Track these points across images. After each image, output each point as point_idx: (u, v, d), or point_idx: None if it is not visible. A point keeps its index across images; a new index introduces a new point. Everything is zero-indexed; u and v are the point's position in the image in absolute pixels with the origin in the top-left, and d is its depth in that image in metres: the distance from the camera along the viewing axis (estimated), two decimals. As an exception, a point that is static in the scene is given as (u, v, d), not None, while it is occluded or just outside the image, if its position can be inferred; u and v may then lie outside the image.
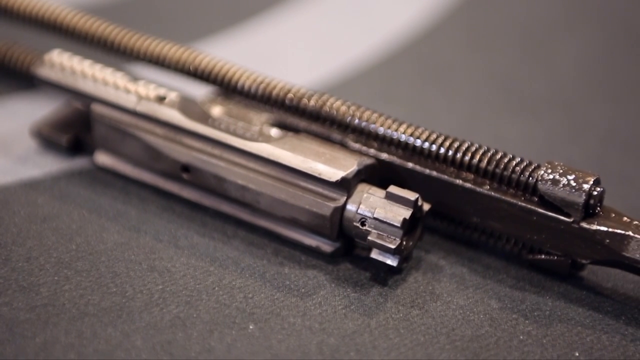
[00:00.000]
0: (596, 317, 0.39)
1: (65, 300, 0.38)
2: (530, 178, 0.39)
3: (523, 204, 0.39)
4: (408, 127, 0.42)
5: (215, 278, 0.40)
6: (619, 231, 0.38)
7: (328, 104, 0.43)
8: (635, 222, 0.38)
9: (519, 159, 0.40)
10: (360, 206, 0.39)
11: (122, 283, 0.39)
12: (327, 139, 0.42)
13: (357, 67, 0.57)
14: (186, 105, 0.43)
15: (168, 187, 0.44)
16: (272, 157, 0.40)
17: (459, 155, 0.40)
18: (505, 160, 0.40)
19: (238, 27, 0.60)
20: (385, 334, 0.37)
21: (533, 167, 0.40)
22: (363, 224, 0.39)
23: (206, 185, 0.42)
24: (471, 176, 0.40)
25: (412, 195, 0.39)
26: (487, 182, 0.40)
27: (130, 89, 0.44)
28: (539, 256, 0.40)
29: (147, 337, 0.36)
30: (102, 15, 0.50)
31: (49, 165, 0.46)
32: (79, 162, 0.46)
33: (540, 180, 0.39)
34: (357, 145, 0.42)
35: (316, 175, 0.40)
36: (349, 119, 0.42)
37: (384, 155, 0.41)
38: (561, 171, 0.39)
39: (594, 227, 0.38)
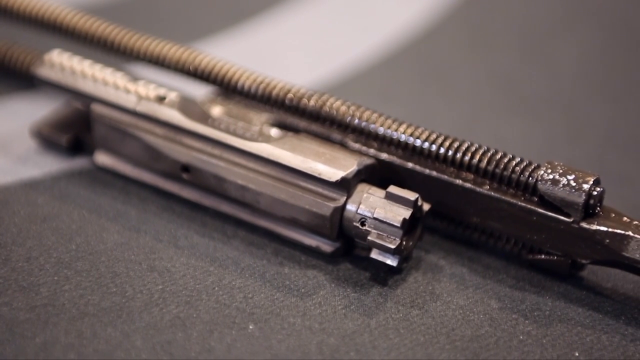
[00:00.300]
0: (596, 317, 0.39)
1: (65, 300, 0.38)
2: (530, 178, 0.39)
3: (523, 204, 0.39)
4: (408, 127, 0.42)
5: (215, 278, 0.40)
6: (619, 231, 0.38)
7: (328, 104, 0.43)
8: (635, 222, 0.38)
9: (519, 159, 0.40)
10: (360, 206, 0.39)
11: (122, 283, 0.39)
12: (327, 139, 0.42)
13: (357, 67, 0.57)
14: (186, 105, 0.43)
15: (168, 187, 0.44)
16: (272, 157, 0.40)
17: (459, 155, 0.40)
18: (505, 160, 0.40)
19: (238, 27, 0.60)
20: (385, 334, 0.37)
21: (533, 167, 0.40)
22: (363, 224, 0.39)
23: (206, 185, 0.42)
24: (471, 176, 0.40)
25: (412, 195, 0.39)
26: (487, 182, 0.40)
27: (130, 89, 0.44)
28: (539, 256, 0.40)
29: (147, 337, 0.36)
30: (102, 15, 0.50)
31: (49, 165, 0.46)
32: (79, 162, 0.46)
33: (540, 180, 0.39)
34: (357, 145, 0.42)
35: (316, 175, 0.40)
36: (349, 119, 0.42)
37: (384, 155, 0.41)
38: (561, 171, 0.39)
39: (594, 227, 0.38)
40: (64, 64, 0.45)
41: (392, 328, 0.38)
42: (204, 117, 0.43)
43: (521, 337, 0.38)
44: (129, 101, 0.43)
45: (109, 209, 0.43)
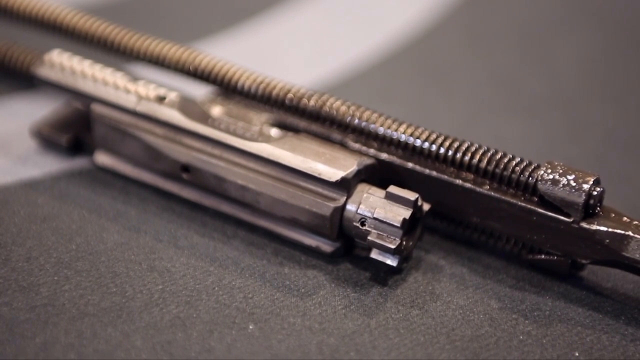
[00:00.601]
0: (596, 317, 0.39)
1: (65, 300, 0.38)
2: (530, 178, 0.39)
3: (523, 204, 0.39)
4: (408, 127, 0.42)
5: (215, 278, 0.40)
6: (619, 231, 0.38)
7: (328, 104, 0.43)
8: (635, 222, 0.38)
9: (519, 159, 0.40)
10: (360, 206, 0.39)
11: (122, 283, 0.39)
12: (327, 139, 0.42)
13: (357, 67, 0.57)
14: (186, 105, 0.43)
15: (168, 187, 0.44)
16: (272, 157, 0.40)
17: (459, 155, 0.40)
18: (505, 160, 0.40)
19: (238, 27, 0.60)
20: (385, 334, 0.37)
21: (533, 167, 0.40)
22: (363, 224, 0.39)
23: (206, 185, 0.42)
24: (471, 176, 0.40)
25: (412, 195, 0.39)
26: (487, 182, 0.40)
27: (130, 89, 0.44)
28: (539, 256, 0.40)
29: (147, 337, 0.36)
30: (102, 15, 0.50)
31: (49, 165, 0.46)
32: (79, 162, 0.46)
33: (540, 180, 0.39)
34: (357, 145, 0.42)
35: (316, 175, 0.40)
36: (349, 119, 0.42)
37: (384, 155, 0.41)
38: (561, 171, 0.39)
39: (594, 227, 0.38)
40: (64, 64, 0.45)
41: (392, 328, 0.38)
42: (204, 117, 0.43)
43: (521, 337, 0.38)
44: (129, 101, 0.43)
45: (109, 209, 0.43)
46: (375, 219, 0.39)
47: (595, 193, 0.38)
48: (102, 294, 0.38)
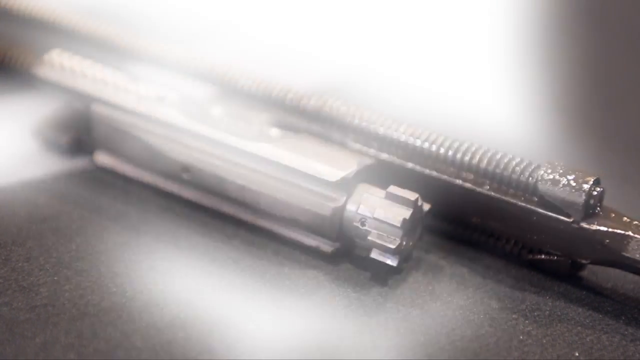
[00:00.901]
0: (596, 317, 0.39)
1: (65, 300, 0.38)
2: (530, 178, 0.39)
3: (523, 204, 0.39)
4: (408, 127, 0.42)
5: (215, 278, 0.40)
6: (619, 231, 0.38)
7: (328, 104, 0.43)
8: (635, 222, 0.38)
9: (519, 159, 0.40)
10: (360, 206, 0.39)
11: (122, 283, 0.39)
12: (327, 139, 0.42)
13: (357, 67, 0.57)
14: (186, 105, 0.43)
15: (168, 187, 0.44)
16: (272, 157, 0.40)
17: (459, 155, 0.40)
18: (505, 160, 0.40)
19: (238, 27, 0.60)
20: (385, 334, 0.37)
21: (533, 167, 0.40)
22: (363, 224, 0.39)
23: (206, 186, 0.42)
24: (471, 176, 0.40)
25: (412, 195, 0.39)
26: (487, 182, 0.40)
27: (130, 89, 0.44)
28: (539, 256, 0.40)
29: (147, 337, 0.36)
30: (102, 15, 0.50)
31: (49, 165, 0.46)
32: (79, 162, 0.46)
33: (540, 180, 0.39)
34: (357, 145, 0.42)
35: (316, 175, 0.40)
36: (349, 119, 0.42)
37: (384, 155, 0.41)
38: (561, 171, 0.39)
39: (594, 227, 0.38)
40: (64, 64, 0.45)
41: (392, 328, 0.38)
42: (204, 117, 0.43)
43: (521, 337, 0.38)
44: (129, 101, 0.43)
45: (109, 209, 0.43)
46: (375, 219, 0.39)
47: (595, 193, 0.38)
48: (102, 294, 0.38)
